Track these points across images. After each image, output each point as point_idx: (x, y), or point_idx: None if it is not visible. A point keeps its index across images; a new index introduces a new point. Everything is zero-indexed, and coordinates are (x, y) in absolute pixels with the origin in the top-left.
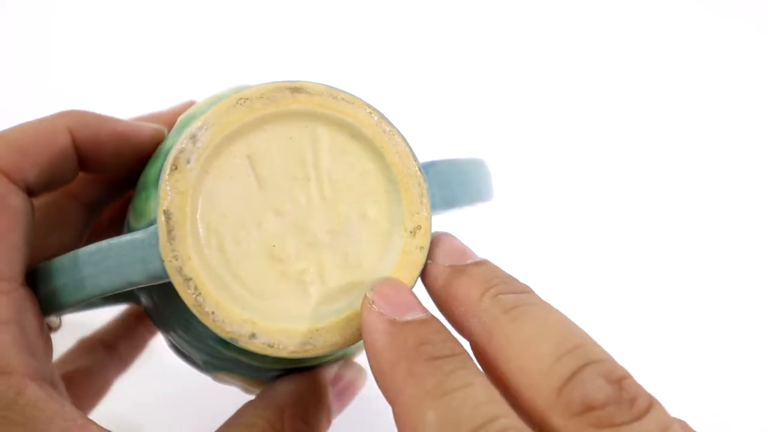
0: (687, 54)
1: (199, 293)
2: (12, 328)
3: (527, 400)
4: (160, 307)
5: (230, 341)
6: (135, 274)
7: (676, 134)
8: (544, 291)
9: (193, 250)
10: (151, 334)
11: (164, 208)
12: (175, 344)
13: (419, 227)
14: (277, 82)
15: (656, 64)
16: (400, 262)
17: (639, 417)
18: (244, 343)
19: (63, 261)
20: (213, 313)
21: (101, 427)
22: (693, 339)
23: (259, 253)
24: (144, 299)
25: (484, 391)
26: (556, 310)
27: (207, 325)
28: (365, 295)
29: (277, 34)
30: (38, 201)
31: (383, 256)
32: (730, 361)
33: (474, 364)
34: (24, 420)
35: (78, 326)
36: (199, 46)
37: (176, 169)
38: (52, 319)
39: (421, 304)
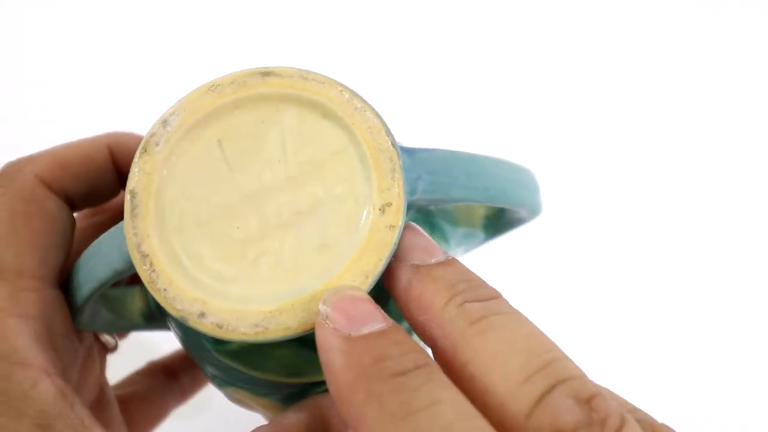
0: (684, 56)
1: (154, 270)
2: (34, 323)
3: (495, 422)
4: (176, 329)
5: (180, 320)
6: (115, 260)
7: (678, 134)
8: (546, 293)
9: (153, 229)
10: None
11: (131, 188)
12: (189, 353)
13: (389, 204)
14: (249, 68)
15: (660, 63)
16: (367, 240)
17: None
18: (193, 322)
19: (75, 264)
20: (165, 290)
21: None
22: (700, 341)
23: (222, 234)
24: (169, 321)
25: (453, 408)
26: (527, 321)
27: (159, 302)
28: (318, 309)
29: (279, 33)
30: (89, 221)
31: (350, 235)
32: (734, 365)
33: (441, 375)
34: (33, 413)
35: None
36: (201, 46)
37: (145, 152)
38: (108, 339)
39: (381, 312)
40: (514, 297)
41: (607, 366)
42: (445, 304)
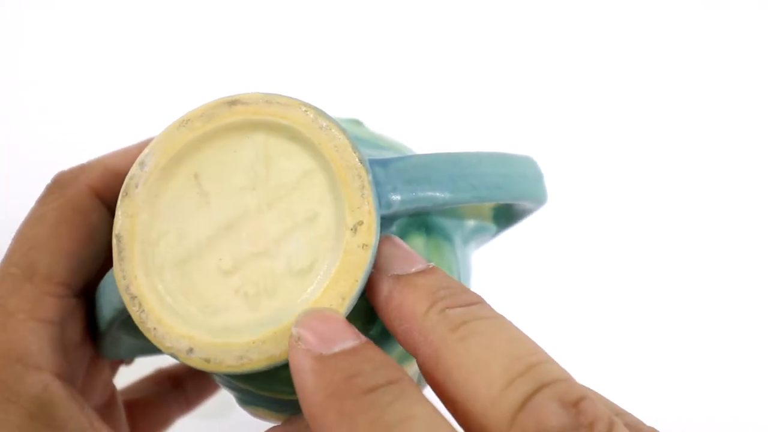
0: (680, 49)
1: (143, 310)
2: (51, 328)
3: (479, 430)
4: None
5: (171, 356)
6: (115, 300)
7: (676, 132)
8: (548, 293)
9: (140, 269)
10: None
11: (116, 232)
12: (215, 380)
13: (360, 223)
14: (217, 99)
15: (657, 59)
16: (342, 261)
17: None
18: (183, 359)
19: (96, 293)
20: (155, 329)
21: None
22: (697, 340)
23: (204, 268)
24: None
25: (425, 423)
26: (509, 325)
27: (150, 341)
28: (291, 332)
29: (277, 41)
30: None
31: (325, 258)
32: (730, 365)
33: (415, 390)
34: (44, 415)
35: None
36: (200, 45)
37: (126, 195)
38: None
39: (352, 330)
40: (513, 296)
41: (603, 364)
42: (426, 312)
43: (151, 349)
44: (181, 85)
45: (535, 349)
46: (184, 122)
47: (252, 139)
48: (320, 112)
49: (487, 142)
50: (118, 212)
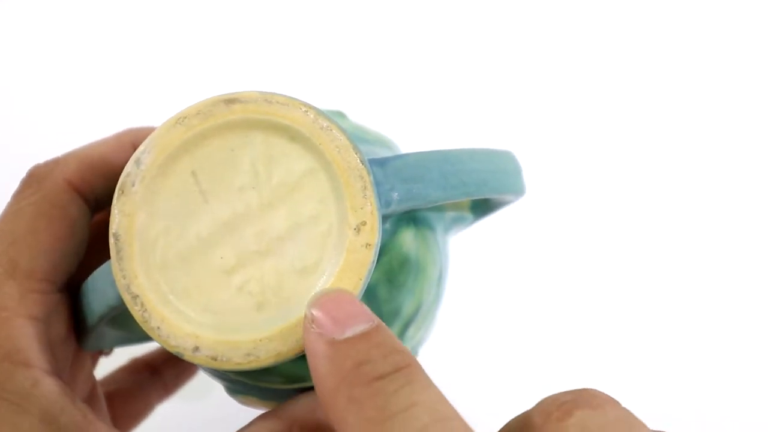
0: (671, 48)
1: (145, 309)
2: (38, 325)
3: None
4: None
5: (176, 355)
6: (110, 297)
7: (681, 135)
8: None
9: (140, 269)
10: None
11: (113, 231)
12: (208, 375)
13: (364, 223)
14: (214, 97)
15: (659, 63)
16: (346, 261)
17: None
18: (189, 357)
19: (81, 289)
20: (158, 328)
21: (109, 426)
22: (695, 338)
23: (205, 266)
24: None
25: (429, 410)
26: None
27: (154, 340)
28: (305, 313)
29: (263, 33)
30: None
31: (328, 257)
32: (727, 364)
33: (421, 376)
34: (36, 410)
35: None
36: (196, 42)
37: (123, 193)
38: None
39: (365, 311)
40: (509, 291)
41: (599, 360)
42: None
43: (133, 340)
44: (160, 77)
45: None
46: (181, 119)
47: (251, 138)
48: (320, 113)
49: (469, 133)
50: (115, 210)
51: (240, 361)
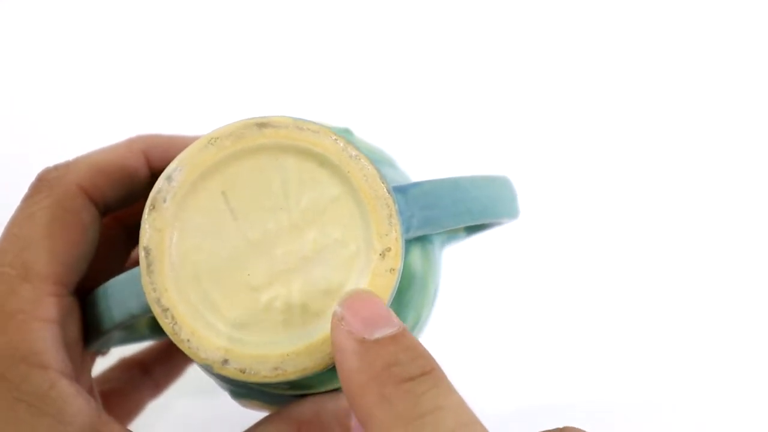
0: (669, 64)
1: (176, 322)
2: (54, 327)
3: None
4: None
5: (205, 367)
6: (133, 307)
7: (686, 141)
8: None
9: (170, 282)
10: (188, 362)
11: (144, 245)
12: (211, 378)
13: (389, 249)
14: (246, 119)
15: (644, 69)
16: (371, 284)
17: None
18: (218, 369)
19: (95, 295)
20: (188, 340)
21: (122, 426)
22: (693, 344)
23: (234, 282)
24: None
25: (455, 414)
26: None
27: (184, 352)
28: (334, 310)
29: (268, 47)
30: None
31: (354, 279)
32: (726, 373)
33: (446, 380)
34: (53, 411)
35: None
36: (189, 56)
37: (154, 208)
38: None
39: (392, 316)
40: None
41: (597, 366)
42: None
43: (130, 340)
44: (165, 84)
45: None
46: (213, 140)
47: (281, 161)
48: (348, 142)
49: (468, 153)
50: (145, 225)
51: (268, 374)
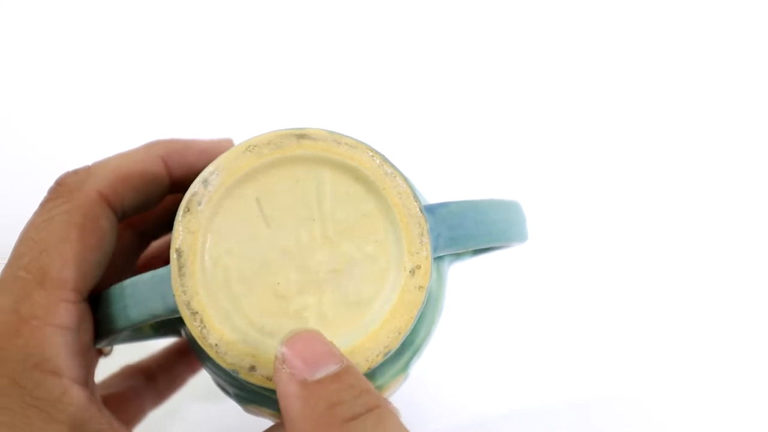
0: (670, 72)
1: (204, 326)
2: (69, 334)
3: None
4: (192, 340)
5: (231, 372)
6: (156, 307)
7: (687, 160)
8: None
9: (201, 286)
10: (192, 371)
11: (176, 246)
12: (211, 376)
13: (419, 267)
14: (284, 129)
15: (647, 78)
16: (399, 300)
17: None
18: (244, 375)
19: (109, 293)
20: (216, 345)
21: None
22: (693, 351)
23: (264, 289)
24: (184, 332)
25: None
26: None
27: (210, 356)
28: (276, 352)
29: (279, 56)
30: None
31: (383, 294)
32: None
33: (391, 416)
34: (65, 418)
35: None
36: (197, 58)
37: (188, 211)
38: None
39: (335, 352)
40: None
41: (597, 368)
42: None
43: (134, 339)
44: (172, 87)
45: None
46: (251, 147)
47: (317, 173)
48: (385, 159)
49: (469, 170)
50: (179, 227)
51: None
